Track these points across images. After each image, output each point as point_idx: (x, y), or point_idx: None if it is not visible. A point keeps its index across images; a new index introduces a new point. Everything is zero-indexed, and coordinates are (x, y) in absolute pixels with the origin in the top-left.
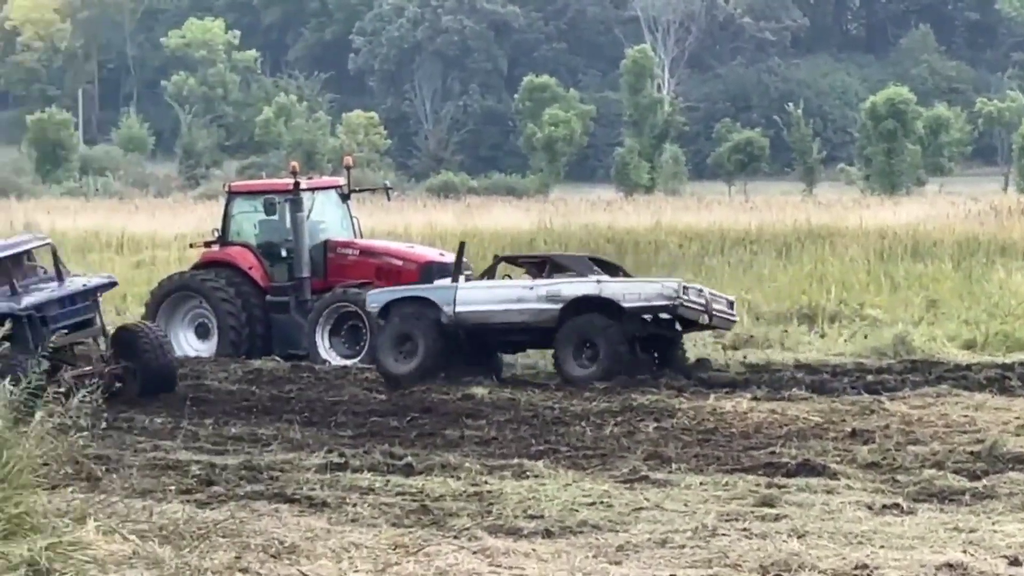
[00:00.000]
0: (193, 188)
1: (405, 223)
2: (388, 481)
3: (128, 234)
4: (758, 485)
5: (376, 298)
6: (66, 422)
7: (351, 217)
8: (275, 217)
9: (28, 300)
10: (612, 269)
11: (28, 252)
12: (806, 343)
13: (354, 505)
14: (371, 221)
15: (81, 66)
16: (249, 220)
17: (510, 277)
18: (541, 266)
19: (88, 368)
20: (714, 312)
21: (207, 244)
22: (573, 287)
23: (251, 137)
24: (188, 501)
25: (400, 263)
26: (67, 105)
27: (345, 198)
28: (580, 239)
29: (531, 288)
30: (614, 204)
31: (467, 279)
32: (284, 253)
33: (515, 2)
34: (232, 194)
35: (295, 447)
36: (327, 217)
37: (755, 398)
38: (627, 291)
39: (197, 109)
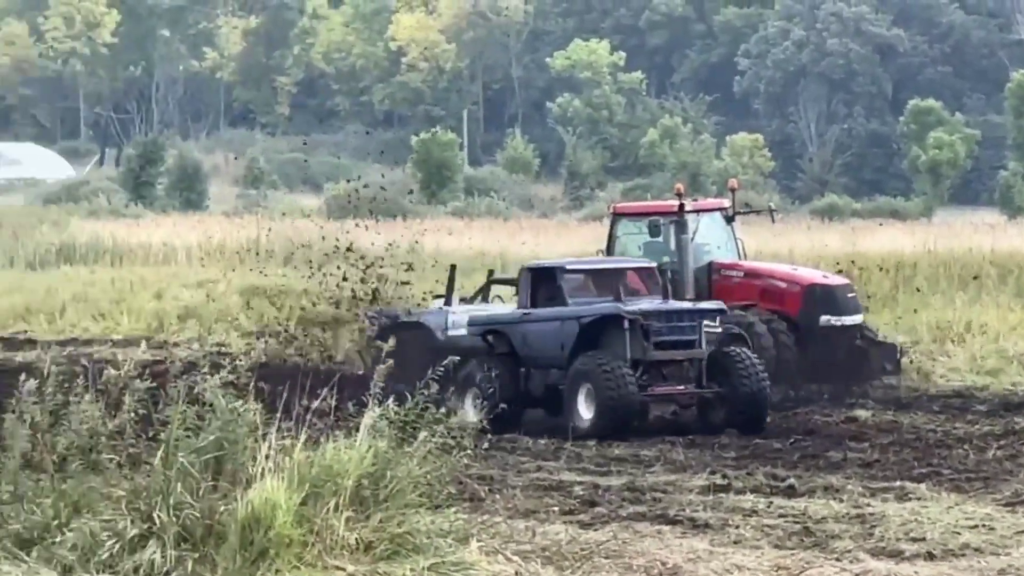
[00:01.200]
0: (578, 209)
1: (789, 245)
2: (771, 503)
3: (511, 255)
4: None
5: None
6: (449, 442)
7: (736, 239)
8: (660, 239)
9: (633, 306)
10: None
11: (628, 271)
12: None
13: (737, 527)
14: (755, 243)
15: (466, 87)
16: (634, 241)
17: (501, 299)
18: None
19: (680, 388)
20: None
21: None
22: None
23: (636, 159)
24: (571, 522)
25: (783, 285)
26: (451, 126)
27: (730, 220)
28: (963, 262)
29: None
30: (997, 227)
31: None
32: (669, 275)
33: (900, 25)
34: (617, 215)
35: (678, 468)
36: (711, 239)
37: None
38: None
39: (582, 131)
